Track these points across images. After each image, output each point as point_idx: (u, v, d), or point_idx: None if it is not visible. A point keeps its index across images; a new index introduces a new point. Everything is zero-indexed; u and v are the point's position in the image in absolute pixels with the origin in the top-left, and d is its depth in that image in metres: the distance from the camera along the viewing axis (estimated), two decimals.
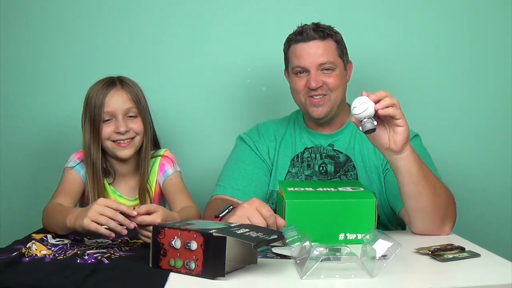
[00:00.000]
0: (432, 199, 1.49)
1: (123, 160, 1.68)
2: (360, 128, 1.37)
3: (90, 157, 1.63)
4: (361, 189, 1.56)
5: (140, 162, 1.70)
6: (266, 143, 1.81)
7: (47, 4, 2.09)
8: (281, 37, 2.10)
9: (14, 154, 2.10)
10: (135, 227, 1.35)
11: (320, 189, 1.57)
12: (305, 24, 1.74)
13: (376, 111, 1.36)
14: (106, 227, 1.34)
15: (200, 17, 2.12)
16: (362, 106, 1.35)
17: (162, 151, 1.75)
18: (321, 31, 1.72)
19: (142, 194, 1.69)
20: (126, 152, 1.65)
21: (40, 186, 2.07)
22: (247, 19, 2.14)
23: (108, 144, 1.64)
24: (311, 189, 1.57)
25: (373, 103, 1.36)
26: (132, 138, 1.65)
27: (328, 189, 1.57)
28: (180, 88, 2.13)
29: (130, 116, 1.65)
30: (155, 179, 1.72)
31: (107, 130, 1.63)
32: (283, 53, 1.79)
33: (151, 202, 1.70)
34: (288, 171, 1.78)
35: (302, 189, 1.57)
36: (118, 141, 1.64)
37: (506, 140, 2.20)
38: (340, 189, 1.56)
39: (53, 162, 2.05)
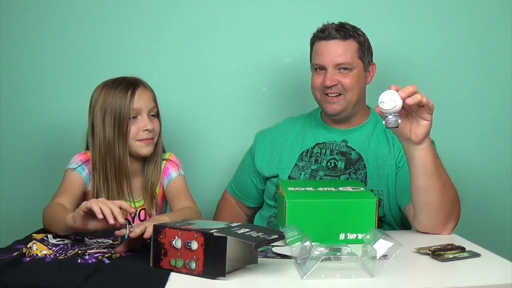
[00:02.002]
0: (441, 195, 1.50)
1: (138, 159, 1.69)
2: (384, 122, 1.38)
3: (115, 155, 1.62)
4: (362, 188, 1.57)
5: (149, 162, 1.70)
6: (261, 148, 1.89)
7: (47, 5, 2.08)
8: (281, 37, 2.12)
9: (14, 154, 2.10)
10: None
11: (321, 188, 1.57)
12: (331, 23, 1.77)
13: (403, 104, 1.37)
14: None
15: (200, 17, 2.12)
16: (391, 103, 1.35)
17: (167, 155, 1.75)
18: (343, 31, 1.74)
19: (149, 194, 1.69)
20: (149, 148, 1.67)
21: (40, 186, 2.07)
22: (248, 19, 2.14)
23: (134, 143, 1.65)
24: (311, 188, 1.57)
25: (401, 100, 1.36)
26: (152, 138, 1.67)
27: (329, 188, 1.57)
28: (180, 88, 2.13)
29: (152, 115, 1.68)
30: (159, 182, 1.73)
31: (134, 128, 1.64)
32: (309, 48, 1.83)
33: (156, 204, 1.70)
34: (296, 164, 1.80)
35: (303, 188, 1.57)
36: (143, 139, 1.65)
37: (507, 140, 2.20)
38: (340, 188, 1.56)
39: (54, 161, 2.06)
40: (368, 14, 2.14)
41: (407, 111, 1.42)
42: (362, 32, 1.79)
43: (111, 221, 1.31)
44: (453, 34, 2.18)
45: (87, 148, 1.70)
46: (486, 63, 2.20)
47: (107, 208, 1.31)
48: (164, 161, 1.74)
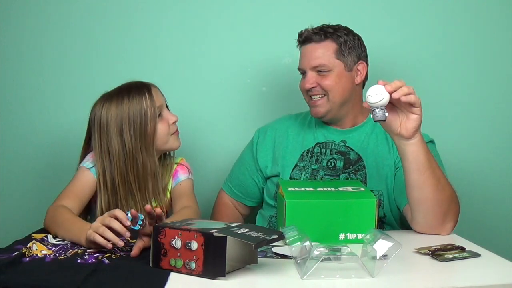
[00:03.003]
0: (436, 191, 1.50)
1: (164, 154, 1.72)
2: (371, 116, 1.40)
3: (138, 162, 1.61)
4: (362, 189, 1.56)
5: (162, 163, 1.71)
6: (264, 146, 1.87)
7: (47, 6, 2.08)
8: (281, 37, 2.11)
9: (14, 154, 2.10)
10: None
11: (321, 188, 1.57)
12: (314, 27, 1.78)
13: (390, 99, 1.39)
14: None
15: (200, 17, 2.12)
16: (377, 97, 1.38)
17: (178, 159, 1.76)
18: (319, 34, 1.76)
19: (162, 195, 1.69)
20: (180, 140, 1.71)
21: (40, 186, 2.07)
22: (248, 19, 2.14)
23: (169, 138, 1.67)
24: (311, 188, 1.57)
25: (388, 94, 1.38)
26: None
27: (329, 188, 1.57)
28: (180, 88, 2.12)
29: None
30: (169, 183, 1.73)
31: (163, 125, 1.65)
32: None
33: (165, 206, 1.70)
34: (296, 165, 1.80)
35: (303, 188, 1.57)
36: (175, 132, 1.69)
37: (507, 140, 2.20)
38: (340, 189, 1.56)
39: (54, 162, 2.06)
40: (368, 14, 2.14)
41: (396, 106, 1.44)
42: (347, 32, 1.78)
43: (121, 244, 1.32)
44: (453, 34, 2.18)
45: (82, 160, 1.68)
46: (486, 63, 2.20)
47: (109, 233, 1.32)
48: (175, 165, 1.74)
